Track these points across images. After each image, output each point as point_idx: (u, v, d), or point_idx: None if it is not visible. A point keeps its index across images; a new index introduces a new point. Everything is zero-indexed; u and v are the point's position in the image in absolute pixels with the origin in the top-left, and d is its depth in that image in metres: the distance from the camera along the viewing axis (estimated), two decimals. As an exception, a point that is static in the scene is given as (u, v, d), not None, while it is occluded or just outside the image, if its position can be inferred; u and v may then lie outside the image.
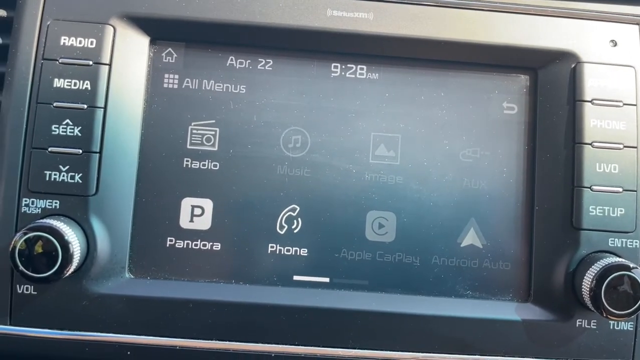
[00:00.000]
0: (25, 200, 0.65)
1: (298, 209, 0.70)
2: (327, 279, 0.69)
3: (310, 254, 0.70)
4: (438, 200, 0.71)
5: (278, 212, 0.70)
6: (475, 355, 0.68)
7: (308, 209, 0.70)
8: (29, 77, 0.67)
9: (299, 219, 0.70)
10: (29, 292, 0.65)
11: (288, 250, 0.69)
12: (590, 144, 0.68)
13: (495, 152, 0.72)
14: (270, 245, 0.69)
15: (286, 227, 0.70)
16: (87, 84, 0.66)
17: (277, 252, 0.69)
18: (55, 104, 0.66)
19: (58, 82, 0.66)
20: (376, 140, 0.71)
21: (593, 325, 0.68)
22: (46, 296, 0.65)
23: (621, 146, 0.69)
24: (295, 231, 0.70)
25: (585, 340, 0.68)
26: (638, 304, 0.64)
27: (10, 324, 0.65)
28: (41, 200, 0.65)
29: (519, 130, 0.72)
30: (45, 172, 0.65)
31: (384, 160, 0.71)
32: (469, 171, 0.71)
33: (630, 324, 0.68)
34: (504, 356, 0.68)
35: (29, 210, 0.65)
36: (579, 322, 0.67)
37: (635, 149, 0.69)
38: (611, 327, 0.68)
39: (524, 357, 0.68)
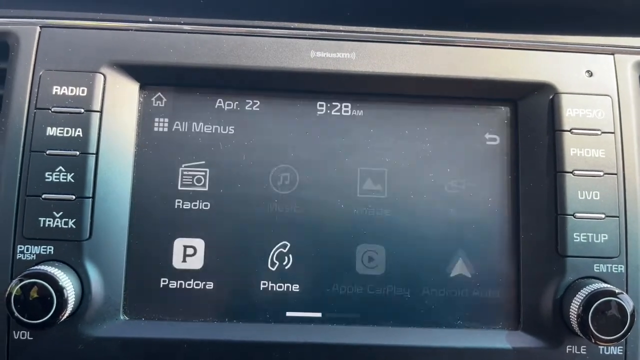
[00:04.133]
0: (20, 247, 0.66)
1: (289, 245, 0.71)
2: (319, 314, 0.70)
3: (302, 289, 0.71)
4: (426, 232, 0.72)
5: (269, 249, 0.71)
6: (468, 385, 0.68)
7: (298, 245, 0.71)
8: (22, 126, 0.68)
9: (290, 255, 0.71)
10: (25, 337, 0.66)
11: (280, 287, 0.71)
12: (571, 172, 0.70)
13: (480, 182, 0.73)
14: (262, 282, 0.71)
15: (277, 263, 0.71)
16: (79, 131, 0.68)
17: (270, 288, 0.70)
18: (48, 152, 0.68)
19: (51, 131, 0.68)
20: (363, 175, 0.73)
21: (583, 351, 0.68)
22: (42, 341, 0.66)
23: (601, 173, 0.71)
24: (286, 267, 0.71)
25: (576, 365, 0.68)
26: (625, 328, 0.65)
27: (7, 371, 0.66)
28: (36, 247, 0.66)
29: (501, 160, 0.74)
30: (40, 218, 0.67)
31: (372, 194, 0.73)
32: (455, 202, 0.73)
33: (620, 348, 0.69)
34: (497, 385, 0.68)
35: (23, 257, 0.66)
36: (569, 348, 0.68)
37: (615, 176, 0.71)
38: (601, 352, 0.69)
39: (517, 385, 0.68)
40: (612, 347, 0.68)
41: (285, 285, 0.71)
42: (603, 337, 0.64)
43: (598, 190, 0.70)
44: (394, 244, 0.72)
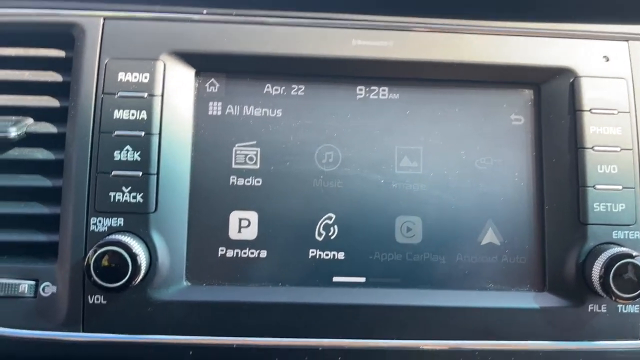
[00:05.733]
0: (93, 220, 0.73)
1: (334, 217, 0.78)
2: (363, 279, 0.77)
3: (346, 257, 0.77)
4: (458, 204, 0.79)
5: (316, 220, 0.78)
6: (499, 341, 0.75)
7: (342, 216, 0.78)
8: (91, 110, 0.75)
9: (335, 226, 0.78)
10: (99, 302, 0.72)
11: (327, 255, 0.77)
12: (591, 148, 0.77)
13: (507, 159, 0.80)
14: (310, 250, 0.77)
15: (324, 233, 0.78)
16: (143, 114, 0.75)
17: (317, 256, 0.77)
18: (116, 133, 0.74)
19: (117, 114, 0.75)
20: (400, 153, 0.80)
21: (603, 310, 0.76)
22: (115, 305, 0.73)
23: (618, 149, 0.77)
24: (332, 237, 0.78)
25: (597, 323, 0.75)
26: (638, 290, 0.72)
27: (83, 331, 0.72)
28: (107, 219, 0.73)
29: (526, 139, 0.80)
30: (110, 193, 0.73)
31: (408, 170, 0.79)
32: (484, 177, 0.79)
33: (637, 307, 0.76)
34: (525, 340, 0.75)
35: (96, 229, 0.73)
36: (590, 307, 0.75)
37: (631, 151, 0.78)
38: (619, 311, 0.76)
39: (542, 341, 0.75)
40: (630, 305, 0.75)
41: (332, 253, 0.77)
42: (623, 295, 0.71)
43: (615, 164, 0.77)
44: (430, 215, 0.78)
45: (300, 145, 0.79)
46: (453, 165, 0.80)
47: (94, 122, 0.74)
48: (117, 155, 0.74)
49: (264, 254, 0.77)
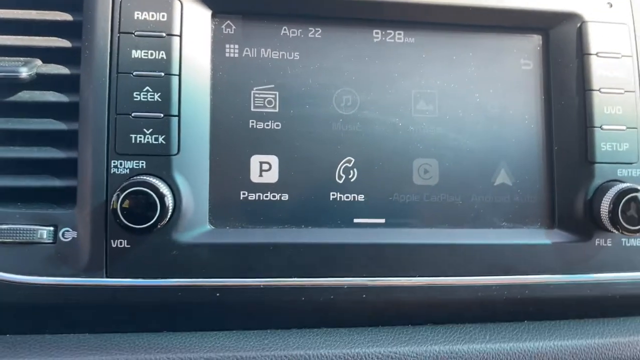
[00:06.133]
0: (114, 162, 0.71)
1: (353, 160, 0.79)
2: (383, 220, 0.79)
3: (366, 199, 0.79)
4: (472, 146, 0.81)
5: (336, 163, 0.78)
6: (513, 275, 0.78)
7: (362, 159, 0.79)
8: (107, 49, 0.72)
9: (355, 169, 0.79)
10: (122, 245, 0.71)
11: (347, 197, 0.78)
12: (598, 90, 0.81)
13: (517, 102, 0.83)
14: (331, 193, 0.78)
15: (344, 176, 0.78)
16: (162, 54, 0.73)
17: (338, 199, 0.78)
18: (134, 73, 0.72)
19: (135, 54, 0.72)
20: (417, 97, 0.81)
21: (609, 244, 0.80)
22: (139, 249, 0.71)
23: (622, 91, 0.81)
24: (352, 180, 0.78)
25: (603, 257, 0.80)
26: (645, 222, 0.76)
27: (106, 277, 0.71)
28: (128, 162, 0.71)
29: (535, 82, 0.83)
30: (131, 135, 0.71)
31: (425, 113, 0.81)
32: (497, 120, 0.82)
33: (639, 240, 0.81)
34: (537, 275, 0.79)
35: (118, 171, 0.71)
36: (597, 241, 0.80)
37: (634, 93, 0.82)
38: (624, 244, 0.80)
39: (553, 274, 0.79)
40: (634, 239, 0.80)
41: (352, 195, 0.78)
42: (631, 227, 0.75)
43: (620, 106, 0.81)
44: (446, 157, 0.80)
45: (319, 88, 0.79)
46: (467, 108, 0.81)
47: (110, 63, 0.72)
48: (137, 96, 0.72)
49: (285, 197, 0.77)
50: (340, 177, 0.78)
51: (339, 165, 0.78)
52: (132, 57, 0.72)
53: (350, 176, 0.79)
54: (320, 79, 0.79)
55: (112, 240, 0.71)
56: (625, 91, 0.81)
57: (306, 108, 0.79)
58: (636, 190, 0.76)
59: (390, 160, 0.79)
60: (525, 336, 0.79)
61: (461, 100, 0.81)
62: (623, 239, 0.80)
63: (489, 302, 0.78)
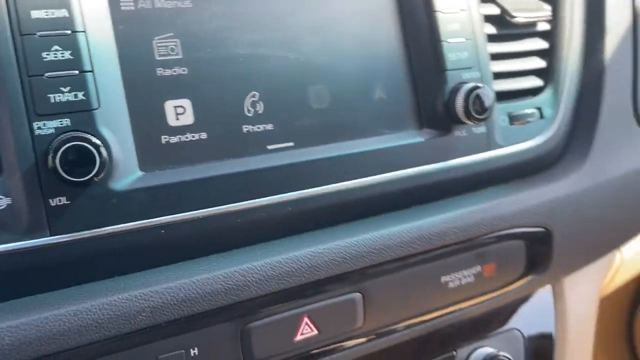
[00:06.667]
0: (37, 124, 0.72)
1: (258, 94, 0.88)
2: (292, 143, 0.90)
3: (275, 127, 0.89)
4: (352, 69, 0.95)
5: (243, 99, 0.87)
6: (398, 170, 0.96)
7: (265, 93, 0.88)
8: (3, 11, 0.71)
9: (261, 102, 0.88)
10: (61, 202, 0.73)
11: (258, 128, 0.88)
12: (440, 11, 0.99)
13: (382, 27, 0.97)
14: (244, 126, 0.87)
15: (252, 110, 0.88)
16: (64, 12, 0.74)
17: (251, 130, 0.87)
18: (39, 34, 0.72)
19: (36, 14, 0.72)
20: (304, 32, 0.92)
21: (464, 133, 1.01)
22: (78, 203, 0.74)
23: (458, 10, 1.01)
24: (259, 112, 0.88)
25: (461, 144, 1.01)
26: (487, 111, 0.98)
27: (51, 235, 0.73)
28: (51, 121, 0.72)
29: (392, 8, 0.99)
30: (49, 95, 0.72)
31: (312, 45, 0.92)
32: (368, 44, 0.96)
33: (483, 128, 1.03)
34: (416, 167, 0.97)
35: (42, 132, 0.72)
36: (457, 133, 1.00)
37: (467, 12, 1.01)
38: (474, 132, 1.02)
39: (428, 165, 0.98)
40: (480, 127, 1.02)
41: (262, 126, 0.88)
42: (479, 116, 0.96)
43: (458, 22, 1.00)
44: (333, 82, 0.93)
45: (216, 32, 0.86)
46: (342, 37, 0.95)
47: (11, 24, 0.71)
48: (47, 56, 0.73)
49: (204, 135, 0.84)
50: (249, 111, 0.87)
51: (246, 100, 0.87)
52: (32, 17, 0.72)
53: (257, 109, 0.88)
54: (216, 23, 0.86)
55: (50, 200, 0.73)
56: (460, 10, 1.01)
57: (208, 51, 0.85)
58: (477, 88, 0.97)
59: (290, 91, 0.90)
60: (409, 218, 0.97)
61: (337, 31, 0.94)
62: (474, 128, 1.02)
63: (385, 195, 0.95)
